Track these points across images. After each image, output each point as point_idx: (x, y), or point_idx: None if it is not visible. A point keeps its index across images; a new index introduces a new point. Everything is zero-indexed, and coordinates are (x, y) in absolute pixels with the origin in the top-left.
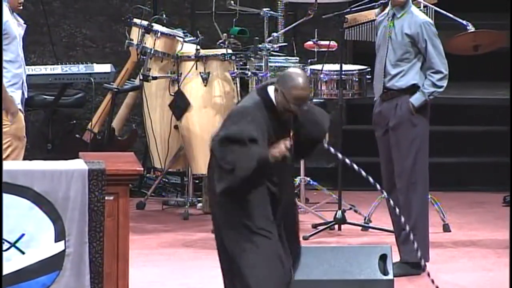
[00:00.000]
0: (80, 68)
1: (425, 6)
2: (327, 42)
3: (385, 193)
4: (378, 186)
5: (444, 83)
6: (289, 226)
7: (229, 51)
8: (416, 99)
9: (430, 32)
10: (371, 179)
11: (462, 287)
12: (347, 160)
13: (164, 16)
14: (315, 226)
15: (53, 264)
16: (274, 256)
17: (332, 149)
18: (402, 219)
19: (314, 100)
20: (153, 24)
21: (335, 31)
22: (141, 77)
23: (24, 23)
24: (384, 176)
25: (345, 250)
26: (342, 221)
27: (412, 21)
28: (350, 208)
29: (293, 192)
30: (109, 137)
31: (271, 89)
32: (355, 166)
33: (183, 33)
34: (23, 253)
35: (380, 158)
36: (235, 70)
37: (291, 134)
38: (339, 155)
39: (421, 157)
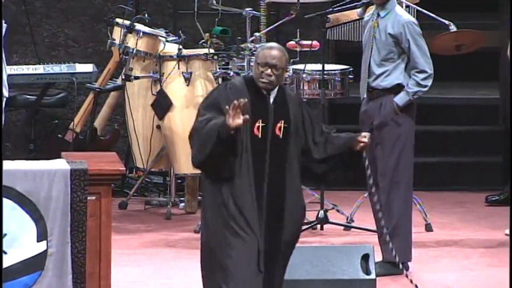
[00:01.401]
0: (62, 68)
1: (407, 6)
2: (309, 42)
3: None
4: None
5: (429, 82)
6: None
7: (211, 50)
8: (400, 99)
9: (413, 31)
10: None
11: (444, 286)
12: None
13: (146, 15)
14: None
15: (35, 264)
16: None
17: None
18: (382, 222)
19: None
20: (135, 24)
21: (317, 31)
22: (123, 77)
23: (5, 23)
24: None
25: (328, 250)
26: (324, 220)
27: (396, 21)
28: (333, 208)
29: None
30: (91, 137)
31: None
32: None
33: (165, 32)
34: (5, 253)
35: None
36: (218, 70)
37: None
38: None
39: (404, 156)
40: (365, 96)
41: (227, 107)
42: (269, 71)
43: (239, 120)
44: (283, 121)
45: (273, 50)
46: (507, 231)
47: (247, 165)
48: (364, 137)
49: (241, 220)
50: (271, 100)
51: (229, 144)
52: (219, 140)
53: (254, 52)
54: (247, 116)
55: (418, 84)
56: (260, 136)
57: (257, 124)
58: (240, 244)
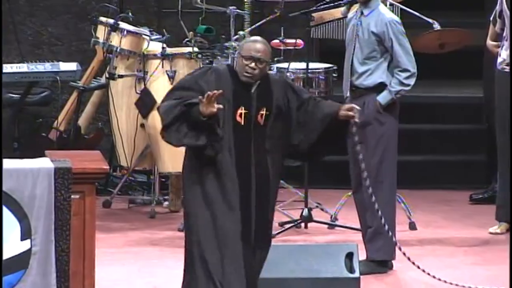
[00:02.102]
0: (46, 67)
1: (391, 4)
2: (293, 41)
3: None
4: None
5: (412, 81)
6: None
7: (196, 49)
8: (383, 98)
9: (396, 30)
10: None
11: (428, 285)
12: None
13: (130, 14)
14: (281, 224)
15: (19, 262)
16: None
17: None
18: (379, 213)
19: None
20: (119, 22)
21: (302, 30)
22: (107, 76)
23: None
24: (352, 174)
25: (312, 248)
26: (308, 219)
27: (379, 19)
28: (317, 206)
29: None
30: (75, 136)
31: None
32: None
33: (150, 31)
34: None
35: (348, 155)
36: None
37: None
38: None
39: (388, 155)
40: (348, 94)
41: (200, 96)
42: (253, 64)
43: (212, 109)
44: (265, 109)
45: (257, 44)
46: (491, 229)
47: (230, 152)
48: (350, 109)
49: (224, 205)
50: (254, 87)
51: (203, 128)
52: (192, 123)
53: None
54: (220, 106)
55: (401, 83)
56: (243, 123)
57: (239, 111)
58: (222, 222)
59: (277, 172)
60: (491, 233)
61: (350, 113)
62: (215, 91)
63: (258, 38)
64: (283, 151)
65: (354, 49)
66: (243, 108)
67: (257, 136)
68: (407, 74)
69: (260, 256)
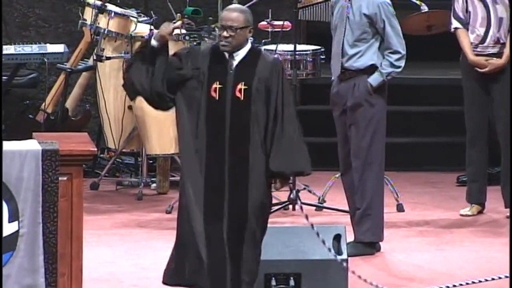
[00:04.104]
0: (33, 48)
1: None
2: (281, 22)
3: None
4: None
5: (402, 63)
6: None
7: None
8: (374, 79)
9: (388, 12)
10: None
11: (416, 266)
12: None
13: None
14: None
15: (6, 244)
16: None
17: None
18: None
19: None
20: (107, 4)
21: (289, 11)
22: (95, 57)
23: None
24: (340, 156)
25: (299, 231)
26: (296, 201)
27: (370, 1)
28: (304, 188)
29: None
30: (63, 118)
31: None
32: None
33: (137, 13)
34: None
35: (337, 138)
36: None
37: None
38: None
39: (377, 137)
40: (335, 77)
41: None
42: (225, 33)
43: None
44: (243, 83)
45: (229, 12)
46: (462, 211)
47: (202, 127)
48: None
49: (190, 186)
50: (235, 62)
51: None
52: (150, 49)
53: None
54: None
55: (392, 65)
56: (217, 98)
57: (214, 86)
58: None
59: (263, 152)
60: (461, 215)
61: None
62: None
63: (232, 6)
64: (265, 139)
65: (344, 31)
66: (217, 82)
67: (236, 111)
68: (398, 55)
69: (236, 252)
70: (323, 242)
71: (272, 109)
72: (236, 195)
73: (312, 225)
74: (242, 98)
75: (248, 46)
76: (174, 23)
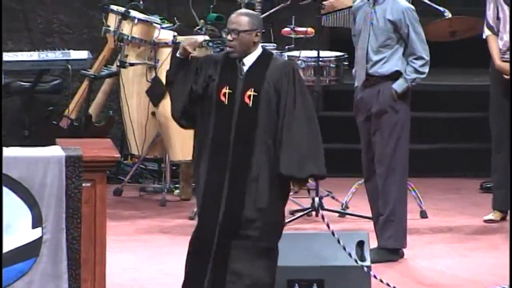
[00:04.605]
0: (57, 55)
1: None
2: (304, 29)
3: None
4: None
5: (426, 69)
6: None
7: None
8: (398, 86)
9: (412, 18)
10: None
11: (439, 273)
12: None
13: (141, 2)
14: (292, 212)
15: (30, 250)
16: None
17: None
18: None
19: None
20: (130, 10)
21: (312, 18)
22: (118, 64)
23: None
24: (364, 162)
25: (322, 237)
26: (319, 207)
27: (394, 7)
28: (327, 195)
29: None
30: (86, 124)
31: None
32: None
33: (160, 19)
34: None
35: (361, 144)
36: None
37: (251, 91)
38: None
39: (401, 143)
40: (359, 84)
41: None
42: (229, 36)
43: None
44: (252, 89)
45: (234, 16)
46: (485, 218)
47: (209, 130)
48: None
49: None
50: (245, 68)
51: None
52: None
53: None
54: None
55: (417, 71)
56: (226, 102)
57: (223, 90)
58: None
59: (271, 159)
60: (485, 221)
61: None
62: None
63: (239, 10)
64: (275, 143)
65: (368, 37)
66: (227, 87)
67: (243, 117)
68: (423, 61)
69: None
70: (344, 248)
71: (282, 111)
72: (233, 203)
73: (332, 232)
74: (250, 105)
75: (258, 51)
76: (198, 38)
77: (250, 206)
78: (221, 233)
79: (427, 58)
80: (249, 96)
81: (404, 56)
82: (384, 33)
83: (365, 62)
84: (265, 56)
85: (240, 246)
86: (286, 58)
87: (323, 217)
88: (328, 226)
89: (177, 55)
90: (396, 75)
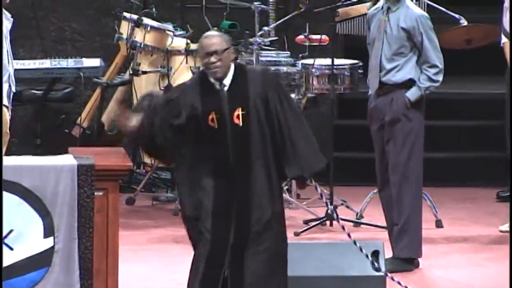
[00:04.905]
0: (69, 63)
1: (417, 0)
2: (318, 36)
3: None
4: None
5: (440, 77)
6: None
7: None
8: (412, 94)
9: (426, 26)
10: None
11: (454, 283)
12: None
13: (154, 9)
14: (306, 222)
15: (42, 260)
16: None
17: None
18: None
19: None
20: (143, 17)
21: (327, 25)
22: (131, 72)
23: (12, 17)
24: (378, 171)
25: (337, 246)
26: (333, 217)
27: (408, 14)
28: (342, 204)
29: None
30: (99, 132)
31: None
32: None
33: (173, 27)
34: (11, 249)
35: (375, 152)
36: None
37: (238, 111)
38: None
39: (415, 152)
40: (372, 92)
41: None
42: (212, 58)
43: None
44: (240, 108)
45: (208, 39)
46: (502, 228)
47: (206, 155)
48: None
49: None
50: (226, 87)
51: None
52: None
53: (263, 47)
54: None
55: (430, 79)
56: (217, 126)
57: (210, 116)
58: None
59: (269, 171)
60: (501, 231)
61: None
62: None
63: (209, 32)
64: (274, 153)
65: (382, 46)
66: (214, 113)
67: (237, 139)
68: (436, 70)
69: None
70: (366, 256)
71: (275, 118)
72: (242, 221)
73: (354, 241)
74: (241, 124)
75: (232, 67)
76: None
77: (257, 221)
78: (234, 252)
79: (441, 66)
80: (238, 116)
81: (418, 64)
82: (398, 41)
83: (379, 70)
84: (240, 70)
85: (253, 262)
86: (300, 67)
87: (343, 227)
88: (349, 235)
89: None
90: (409, 84)
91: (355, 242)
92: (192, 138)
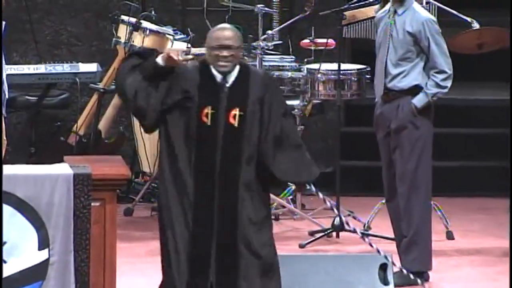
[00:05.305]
0: (65, 68)
1: (427, 2)
2: (324, 40)
3: None
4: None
5: (448, 83)
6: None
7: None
8: (418, 101)
9: (433, 30)
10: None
11: None
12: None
13: (153, 12)
14: (311, 233)
15: (36, 273)
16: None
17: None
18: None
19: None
20: (142, 21)
21: (333, 29)
22: None
23: (4, 20)
24: (385, 181)
25: (344, 259)
26: (340, 228)
27: (414, 18)
28: (349, 215)
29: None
30: (96, 140)
31: None
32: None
33: (173, 30)
34: (5, 262)
35: (381, 161)
36: None
37: (236, 110)
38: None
39: (424, 160)
40: (379, 98)
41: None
42: (225, 52)
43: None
44: (238, 109)
45: (224, 31)
46: None
47: (191, 153)
48: None
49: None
50: (228, 84)
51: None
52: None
53: (267, 51)
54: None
55: (438, 85)
56: (209, 123)
57: (205, 111)
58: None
59: (259, 174)
60: None
61: None
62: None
63: (224, 25)
64: (261, 158)
65: (387, 50)
66: (210, 107)
67: (229, 139)
68: (444, 75)
69: None
70: (393, 264)
71: (266, 123)
72: (225, 224)
73: (378, 250)
74: (236, 124)
75: (238, 66)
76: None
77: (245, 224)
78: (218, 257)
79: (450, 71)
80: (234, 116)
81: (425, 70)
82: (404, 45)
83: (384, 76)
84: (244, 70)
85: (243, 265)
86: (305, 72)
87: (363, 237)
88: (371, 245)
89: (161, 63)
90: (416, 90)
91: (378, 251)
92: (177, 130)
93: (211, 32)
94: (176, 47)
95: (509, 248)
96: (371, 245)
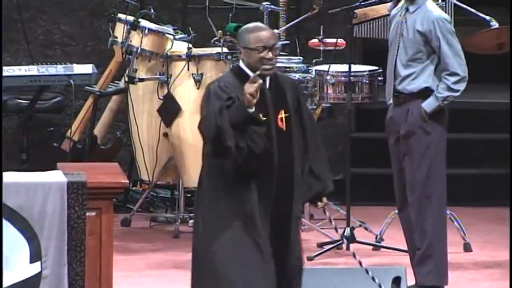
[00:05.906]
0: (58, 69)
1: (443, 0)
2: (334, 40)
3: None
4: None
5: (461, 86)
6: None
7: (225, 50)
8: (428, 105)
9: (444, 29)
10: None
11: None
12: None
13: (152, 11)
14: (320, 245)
15: (28, 287)
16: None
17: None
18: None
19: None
20: (140, 19)
21: (343, 28)
22: (127, 79)
23: None
24: (396, 190)
25: (355, 272)
26: (351, 239)
27: (425, 16)
28: (360, 225)
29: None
30: (91, 146)
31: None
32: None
33: (174, 29)
34: None
35: (392, 169)
36: None
37: (281, 113)
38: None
39: (436, 168)
40: (391, 101)
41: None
42: (270, 54)
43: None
44: (283, 111)
45: (265, 31)
46: None
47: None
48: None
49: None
50: (267, 88)
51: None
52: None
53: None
54: (261, 81)
55: (449, 88)
56: (265, 129)
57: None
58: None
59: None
60: None
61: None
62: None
63: (259, 24)
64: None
65: (397, 50)
66: (261, 114)
67: (281, 144)
68: (457, 78)
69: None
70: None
71: (303, 130)
72: (280, 231)
73: (366, 270)
74: (284, 128)
75: None
76: (254, 81)
77: (294, 229)
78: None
79: (463, 74)
80: (282, 119)
81: (437, 72)
82: (414, 45)
83: (393, 78)
84: (274, 72)
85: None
86: (313, 74)
87: (354, 255)
88: (360, 263)
89: (252, 110)
90: (427, 93)
91: (367, 271)
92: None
93: (247, 33)
94: (249, 84)
95: (509, 258)
96: (360, 264)
